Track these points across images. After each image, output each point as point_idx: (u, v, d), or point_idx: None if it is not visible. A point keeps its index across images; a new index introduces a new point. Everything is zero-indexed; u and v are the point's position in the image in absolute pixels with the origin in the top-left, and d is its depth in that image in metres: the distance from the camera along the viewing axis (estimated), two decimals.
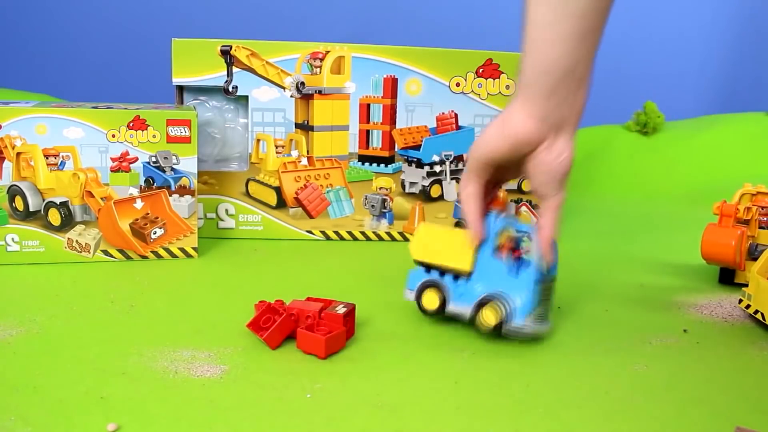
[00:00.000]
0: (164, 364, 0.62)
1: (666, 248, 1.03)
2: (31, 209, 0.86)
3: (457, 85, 0.99)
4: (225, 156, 1.03)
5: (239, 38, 0.96)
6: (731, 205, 0.85)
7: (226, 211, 1.00)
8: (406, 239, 1.03)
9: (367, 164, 1.02)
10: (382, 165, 1.02)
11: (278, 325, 0.65)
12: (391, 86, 0.99)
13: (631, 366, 0.64)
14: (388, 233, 1.03)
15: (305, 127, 1.00)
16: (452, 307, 0.70)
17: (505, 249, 0.68)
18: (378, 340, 0.68)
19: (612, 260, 0.97)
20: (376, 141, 1.01)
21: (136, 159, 0.88)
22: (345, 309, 0.67)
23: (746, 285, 0.77)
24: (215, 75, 0.97)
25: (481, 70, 0.99)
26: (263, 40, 0.97)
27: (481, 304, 0.68)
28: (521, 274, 0.67)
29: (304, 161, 1.00)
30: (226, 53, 0.96)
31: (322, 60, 0.97)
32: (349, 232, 1.03)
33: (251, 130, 0.99)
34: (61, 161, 0.87)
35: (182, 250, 0.91)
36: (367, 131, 1.01)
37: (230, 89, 0.97)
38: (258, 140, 0.99)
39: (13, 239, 0.86)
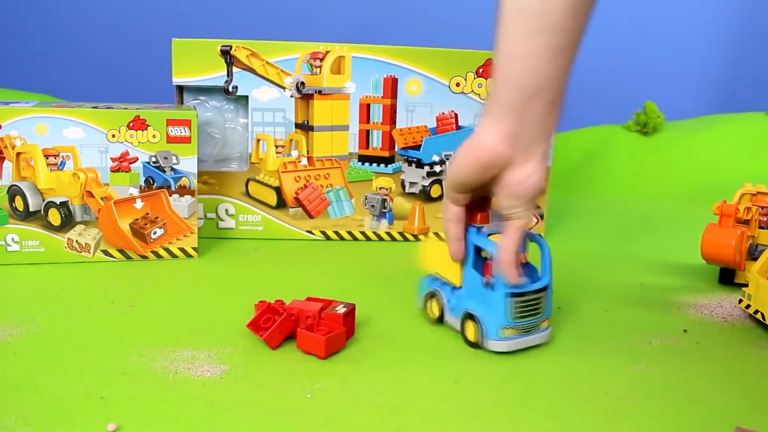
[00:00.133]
0: (164, 364, 0.62)
1: (666, 248, 1.03)
2: (31, 209, 0.86)
3: (457, 85, 0.99)
4: (225, 156, 1.03)
5: (239, 38, 0.96)
6: (731, 205, 0.85)
7: (226, 211, 1.00)
8: (406, 239, 1.03)
9: (367, 164, 1.02)
10: (382, 165, 1.02)
11: (278, 325, 0.65)
12: (391, 86, 0.99)
13: (631, 366, 0.64)
14: (388, 233, 1.03)
15: (305, 127, 1.00)
16: (447, 318, 0.71)
17: (488, 263, 0.68)
18: (378, 340, 0.68)
19: (612, 260, 0.97)
20: (376, 141, 1.01)
21: (136, 159, 0.88)
22: (345, 309, 0.67)
23: (746, 285, 0.77)
24: (215, 75, 0.97)
25: (481, 70, 0.99)
26: (263, 40, 0.97)
27: (464, 318, 0.68)
28: (496, 288, 0.65)
29: (304, 161, 1.00)
30: (226, 53, 0.96)
31: (322, 60, 0.97)
32: (349, 232, 1.03)
33: (251, 130, 0.99)
34: (61, 161, 0.87)
35: (182, 250, 0.91)
36: (367, 131, 1.01)
37: (230, 89, 0.97)
38: (258, 140, 0.99)
39: (13, 239, 0.86)
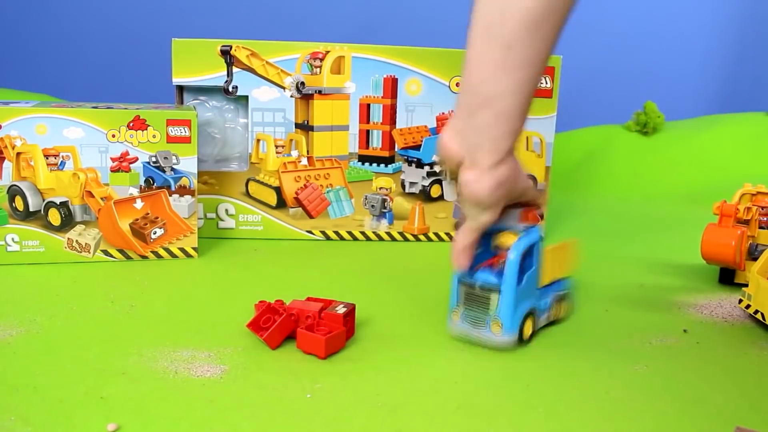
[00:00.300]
0: (164, 364, 0.62)
1: (666, 248, 1.03)
2: (31, 209, 0.86)
3: (457, 85, 0.99)
4: (225, 156, 1.03)
5: (239, 38, 0.96)
6: (731, 205, 0.85)
7: (226, 211, 1.00)
8: (407, 239, 1.03)
9: (367, 164, 1.02)
10: (382, 165, 1.02)
11: (278, 325, 0.65)
12: (391, 86, 0.99)
13: (631, 366, 0.64)
14: (388, 233, 1.03)
15: (305, 127, 1.00)
16: None
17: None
18: (378, 340, 0.68)
19: (612, 260, 0.97)
20: (376, 141, 1.01)
21: (136, 159, 0.88)
22: (345, 309, 0.67)
23: (746, 285, 0.77)
24: (215, 75, 0.97)
25: None
26: (263, 40, 0.97)
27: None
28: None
29: (304, 161, 1.00)
30: (226, 53, 0.96)
31: (322, 60, 0.97)
32: (349, 232, 1.03)
33: (251, 130, 0.99)
34: (61, 161, 0.87)
35: (182, 250, 0.91)
36: (367, 131, 1.01)
37: (230, 89, 0.97)
38: (258, 140, 0.99)
39: (13, 239, 0.86)
